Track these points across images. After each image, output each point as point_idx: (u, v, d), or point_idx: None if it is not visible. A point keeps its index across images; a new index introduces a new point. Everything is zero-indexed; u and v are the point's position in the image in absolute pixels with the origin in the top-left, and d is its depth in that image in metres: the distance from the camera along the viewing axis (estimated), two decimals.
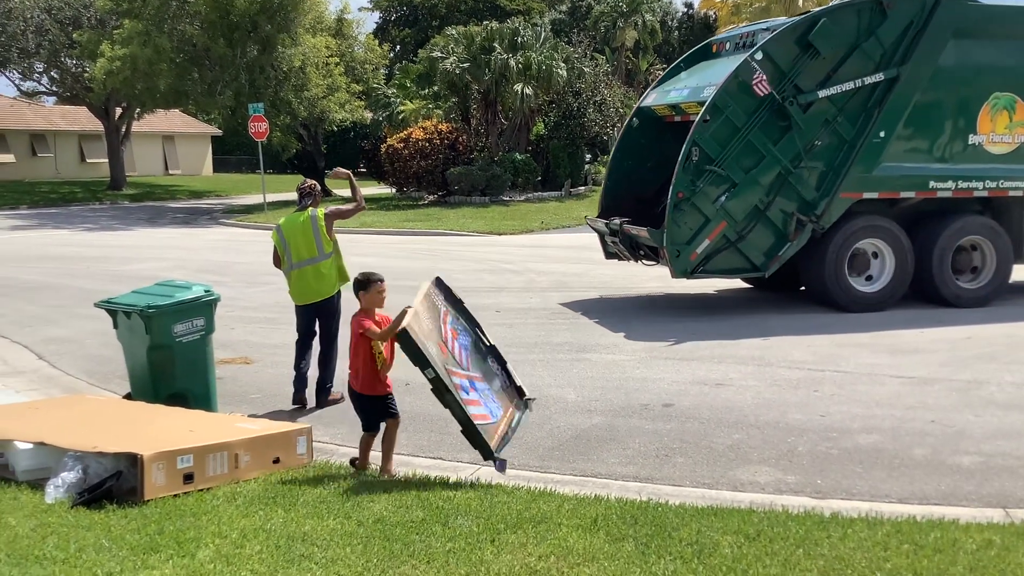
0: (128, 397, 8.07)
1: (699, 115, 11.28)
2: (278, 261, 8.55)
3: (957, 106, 12.06)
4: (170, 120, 55.74)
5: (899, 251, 12.03)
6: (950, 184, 12.11)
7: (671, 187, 11.20)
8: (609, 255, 13.57)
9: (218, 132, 58.81)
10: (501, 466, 6.09)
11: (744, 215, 11.42)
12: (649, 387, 8.77)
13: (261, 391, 9.01)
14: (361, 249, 21.27)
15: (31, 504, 5.67)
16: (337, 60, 38.78)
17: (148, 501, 5.66)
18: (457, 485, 6.07)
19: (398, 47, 59.50)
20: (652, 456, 6.91)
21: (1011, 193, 12.44)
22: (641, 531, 5.13)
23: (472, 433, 6.06)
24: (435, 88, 35.33)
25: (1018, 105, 12.29)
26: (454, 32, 34.98)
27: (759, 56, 11.31)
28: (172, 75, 34.02)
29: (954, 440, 7.07)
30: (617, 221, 12.44)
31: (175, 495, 5.78)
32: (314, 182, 8.64)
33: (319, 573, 4.61)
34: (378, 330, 6.24)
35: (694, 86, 12.48)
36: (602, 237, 13.37)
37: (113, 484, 5.76)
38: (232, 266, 18.53)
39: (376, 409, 6.44)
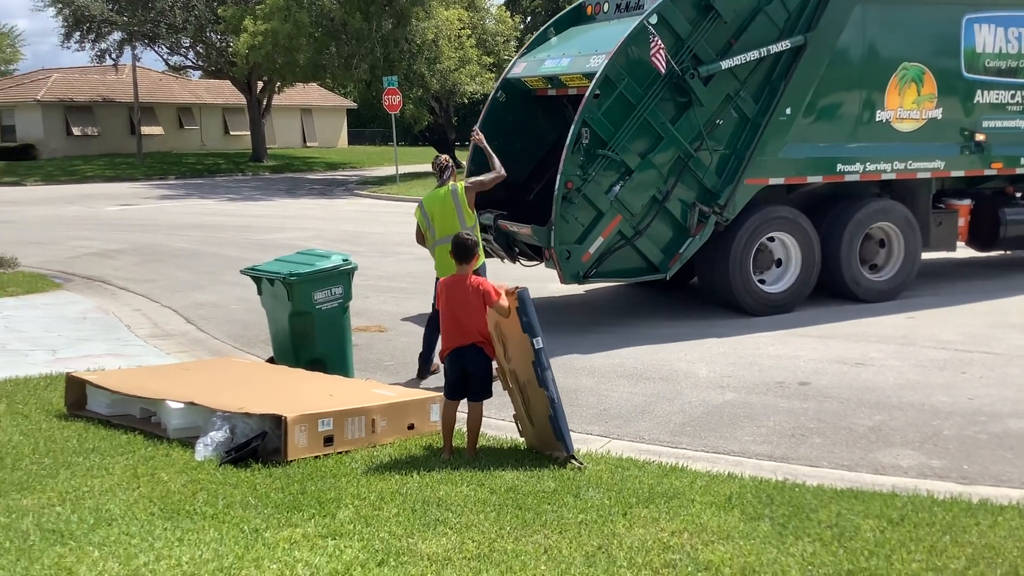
0: (271, 361, 8.38)
1: (589, 89, 9.60)
2: (421, 238, 8.52)
3: (865, 79, 10.77)
4: (308, 93, 57.30)
5: (806, 244, 10.66)
6: (858, 167, 10.84)
7: (559, 175, 9.50)
8: None
9: (353, 105, 60.22)
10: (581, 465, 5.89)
11: (641, 207, 9.84)
12: (784, 364, 8.56)
13: (395, 358, 9.22)
14: None
15: (182, 461, 5.96)
16: (469, 32, 39.05)
17: (291, 461, 5.87)
18: (587, 457, 6.07)
19: (529, 18, 59.34)
20: (788, 435, 6.75)
21: (919, 175, 11.25)
22: (778, 511, 5.03)
23: (560, 421, 5.88)
24: None
25: (926, 77, 11.04)
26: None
27: (655, 20, 9.67)
28: (311, 49, 34.91)
29: None
30: (490, 215, 10.61)
31: (316, 456, 5.98)
32: (448, 156, 8.59)
33: (454, 538, 4.69)
34: (505, 303, 6.03)
35: (575, 54, 10.65)
36: None
37: (258, 444, 6.00)
38: (366, 236, 18.98)
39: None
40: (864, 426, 6.87)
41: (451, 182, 8.30)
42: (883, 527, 4.79)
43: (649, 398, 7.71)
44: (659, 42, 9.54)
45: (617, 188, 9.71)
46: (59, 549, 4.57)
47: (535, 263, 10.70)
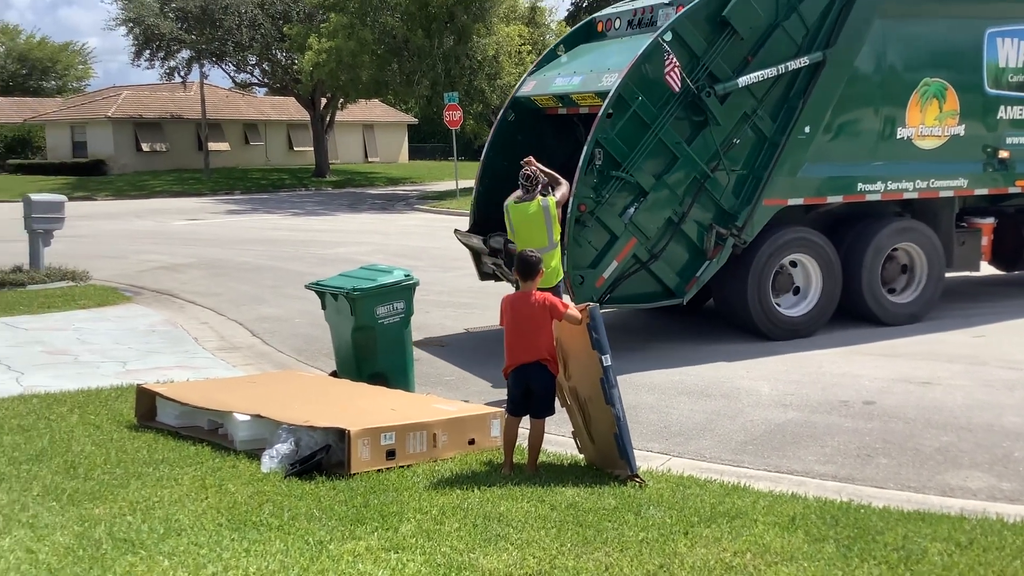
0: (334, 375, 8.50)
1: (602, 109, 9.30)
2: None
3: (886, 95, 10.43)
4: (370, 109, 58.03)
5: (827, 266, 10.33)
6: (879, 186, 10.46)
7: (571, 197, 9.17)
8: (485, 276, 11.10)
9: (414, 121, 60.82)
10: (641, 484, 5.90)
11: (657, 230, 9.53)
12: (848, 383, 8.44)
13: (455, 373, 9.28)
14: None
15: (248, 473, 6.08)
16: (529, 48, 39.20)
17: (354, 475, 5.95)
18: (648, 474, 6.05)
19: None
20: (852, 455, 6.66)
21: (941, 194, 10.88)
22: (842, 533, 4.96)
23: (625, 439, 5.88)
24: None
25: (948, 93, 10.68)
26: None
27: (669, 37, 9.35)
28: (373, 66, 35.37)
29: None
30: (500, 238, 10.06)
31: (378, 470, 6.06)
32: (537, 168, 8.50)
33: (515, 554, 4.72)
34: (576, 313, 6.12)
35: (587, 72, 10.36)
36: (476, 255, 10.96)
37: (322, 457, 6.09)
38: (426, 251, 19.13)
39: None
40: (931, 447, 6.75)
41: (540, 196, 8.35)
42: (951, 551, 4.71)
43: (710, 415, 7.66)
44: (674, 59, 9.28)
45: (631, 210, 9.43)
46: (130, 558, 4.69)
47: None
